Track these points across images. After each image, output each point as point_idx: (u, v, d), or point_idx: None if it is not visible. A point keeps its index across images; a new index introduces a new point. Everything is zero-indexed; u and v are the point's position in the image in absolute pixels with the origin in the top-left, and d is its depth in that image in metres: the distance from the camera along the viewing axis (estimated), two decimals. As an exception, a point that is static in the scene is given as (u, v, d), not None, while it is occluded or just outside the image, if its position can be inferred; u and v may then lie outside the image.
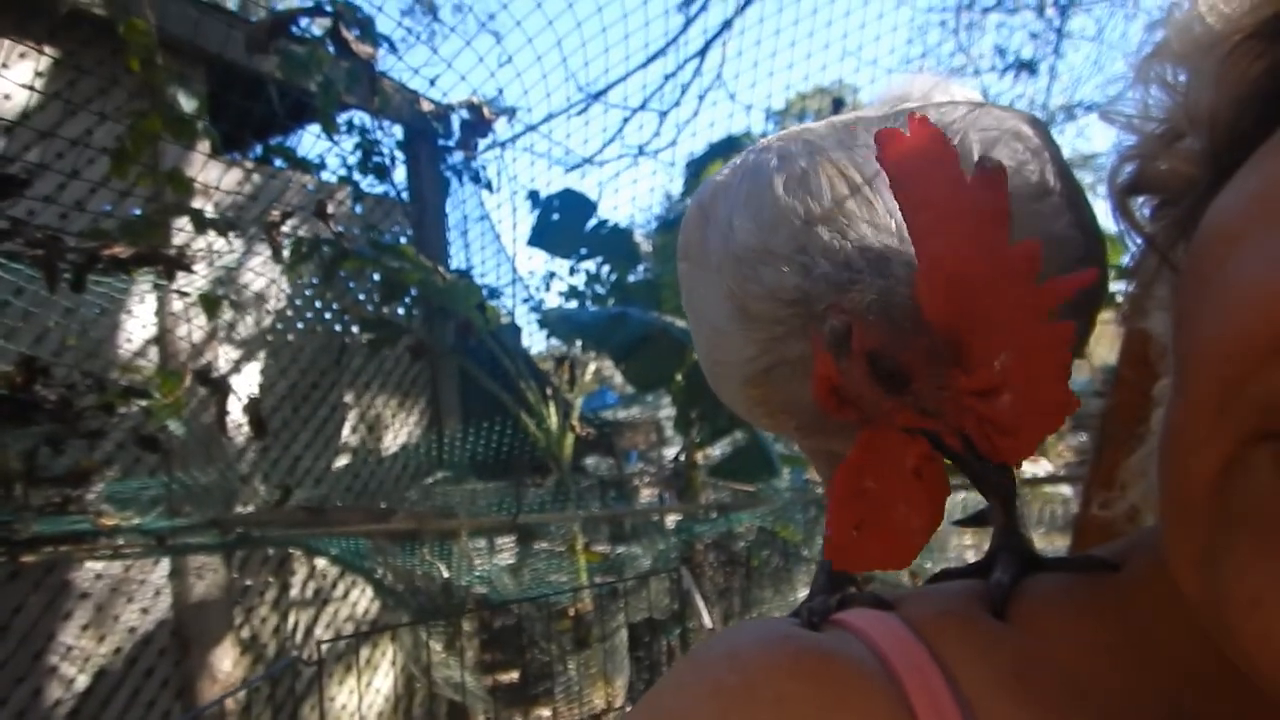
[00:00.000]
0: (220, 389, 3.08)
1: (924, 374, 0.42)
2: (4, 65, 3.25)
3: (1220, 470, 0.33)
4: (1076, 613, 0.46)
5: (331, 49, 2.84)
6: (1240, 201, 0.35)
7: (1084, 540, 0.56)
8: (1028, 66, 6.72)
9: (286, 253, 3.40)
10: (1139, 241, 0.48)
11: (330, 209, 3.48)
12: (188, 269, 2.69)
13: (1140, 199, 0.48)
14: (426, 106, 4.20)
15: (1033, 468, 3.73)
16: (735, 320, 0.53)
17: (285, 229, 3.38)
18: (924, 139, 0.40)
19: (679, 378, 4.59)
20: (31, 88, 3.00)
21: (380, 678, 4.69)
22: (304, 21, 2.93)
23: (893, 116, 0.53)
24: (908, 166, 0.40)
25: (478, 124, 3.80)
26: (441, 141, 5.00)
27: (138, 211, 3.16)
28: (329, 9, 2.80)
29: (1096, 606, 0.46)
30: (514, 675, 4.92)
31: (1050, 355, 0.39)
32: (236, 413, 3.46)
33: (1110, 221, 0.49)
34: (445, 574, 4.08)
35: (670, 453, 6.74)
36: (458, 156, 5.22)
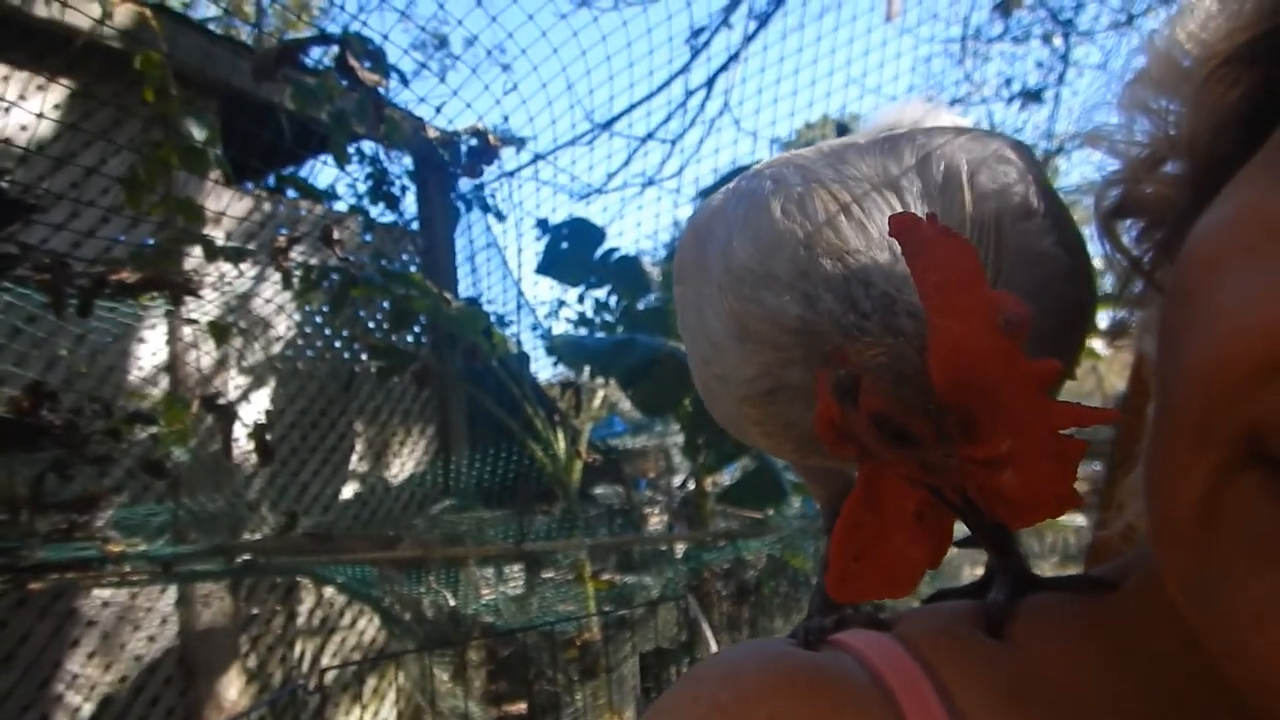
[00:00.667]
0: (226, 415, 3.10)
1: (930, 441, 0.42)
2: (21, 97, 3.31)
3: (1206, 493, 0.33)
4: (1072, 631, 0.46)
5: (342, 79, 2.87)
6: (1218, 228, 0.36)
7: (1095, 564, 0.56)
8: (1034, 95, 6.75)
9: (296, 280, 3.42)
10: (1125, 265, 0.49)
11: (338, 235, 3.51)
12: (194, 293, 2.71)
13: (1127, 222, 0.49)
14: (433, 134, 4.24)
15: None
16: (734, 337, 0.52)
17: (295, 256, 3.40)
18: (942, 231, 0.39)
19: (686, 403, 4.58)
20: (41, 115, 3.05)
21: (386, 708, 4.65)
22: (316, 53, 2.96)
23: (881, 143, 0.54)
24: (925, 247, 0.39)
25: (484, 150, 3.84)
26: (450, 170, 5.04)
27: (150, 241, 3.19)
28: (337, 39, 2.83)
29: (1092, 625, 0.46)
30: (521, 706, 4.88)
31: (1060, 465, 0.39)
32: (244, 439, 3.47)
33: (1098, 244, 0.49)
34: (452, 602, 4.07)
35: (679, 480, 6.72)
36: (466, 184, 5.26)
